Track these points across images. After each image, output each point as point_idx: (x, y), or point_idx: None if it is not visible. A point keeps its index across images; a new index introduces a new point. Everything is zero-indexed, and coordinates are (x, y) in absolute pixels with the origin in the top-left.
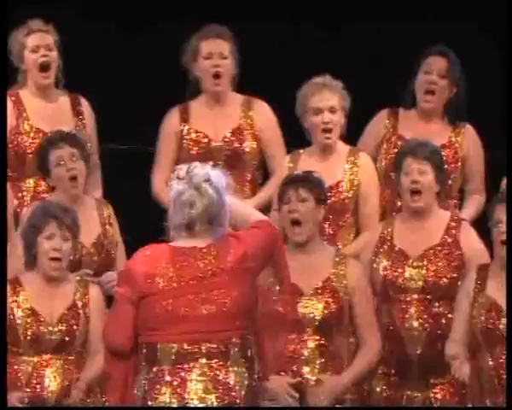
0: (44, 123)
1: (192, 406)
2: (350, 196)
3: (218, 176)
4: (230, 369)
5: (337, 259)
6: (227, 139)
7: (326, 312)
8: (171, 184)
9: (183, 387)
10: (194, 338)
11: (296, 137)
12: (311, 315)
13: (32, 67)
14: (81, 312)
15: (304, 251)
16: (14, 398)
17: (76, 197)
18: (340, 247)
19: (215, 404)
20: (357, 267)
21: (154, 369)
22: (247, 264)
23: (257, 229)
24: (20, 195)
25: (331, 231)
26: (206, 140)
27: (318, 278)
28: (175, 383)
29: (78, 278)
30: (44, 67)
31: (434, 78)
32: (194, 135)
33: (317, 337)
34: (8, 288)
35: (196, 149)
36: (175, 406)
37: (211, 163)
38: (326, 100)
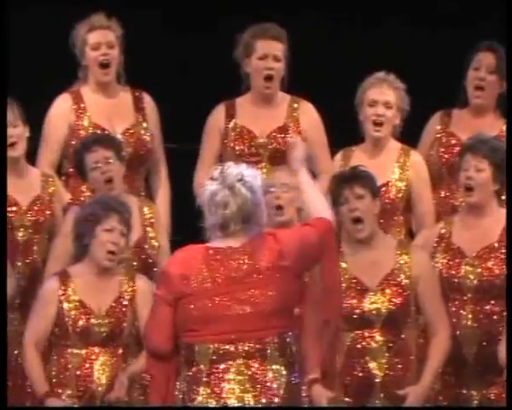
0: (104, 119)
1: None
2: (400, 195)
3: (252, 175)
4: (268, 368)
5: (399, 250)
6: (272, 136)
7: (392, 306)
8: (204, 185)
9: (221, 387)
10: (231, 338)
11: (341, 137)
12: (378, 311)
13: (92, 64)
14: (128, 304)
15: (367, 246)
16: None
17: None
18: (402, 237)
19: (252, 403)
20: (421, 254)
21: (193, 370)
22: (282, 263)
23: (308, 227)
24: (78, 191)
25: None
26: (250, 136)
27: (382, 272)
28: (212, 382)
29: (125, 269)
30: (104, 65)
31: (483, 74)
32: (238, 131)
33: (385, 333)
34: (57, 280)
35: (240, 145)
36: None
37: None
38: (383, 94)
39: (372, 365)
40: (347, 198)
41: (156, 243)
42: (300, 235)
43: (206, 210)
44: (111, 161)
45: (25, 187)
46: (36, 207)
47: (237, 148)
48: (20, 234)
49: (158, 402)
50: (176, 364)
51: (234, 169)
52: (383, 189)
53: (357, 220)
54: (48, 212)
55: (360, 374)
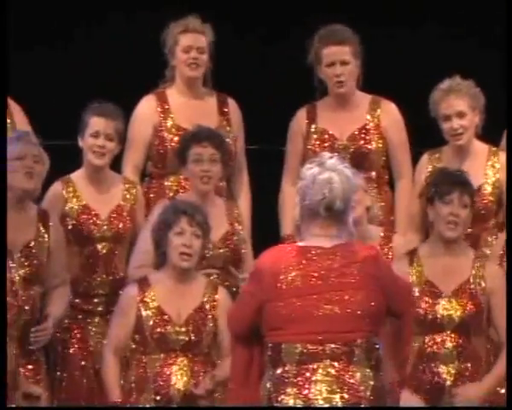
0: (188, 121)
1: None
2: (493, 199)
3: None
4: (355, 369)
5: (477, 261)
6: (352, 138)
7: (464, 313)
8: (302, 172)
9: (308, 387)
10: (318, 339)
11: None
12: (450, 316)
13: (180, 65)
14: (209, 314)
15: (448, 252)
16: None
17: (206, 196)
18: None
19: (339, 404)
20: (495, 269)
21: (279, 370)
22: (374, 270)
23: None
24: (161, 191)
25: (474, 235)
26: (331, 139)
27: (458, 280)
28: (299, 383)
29: (206, 279)
30: (192, 69)
31: None
32: (319, 134)
33: (456, 338)
34: (136, 287)
35: (322, 148)
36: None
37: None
38: (453, 106)
39: (442, 369)
40: (452, 201)
41: (245, 238)
42: (396, 276)
43: (307, 193)
44: (214, 161)
45: (106, 197)
46: (115, 218)
47: (318, 150)
48: (101, 246)
49: (237, 387)
50: (259, 359)
51: (332, 158)
52: (476, 194)
53: (454, 223)
54: (129, 222)
55: (430, 378)
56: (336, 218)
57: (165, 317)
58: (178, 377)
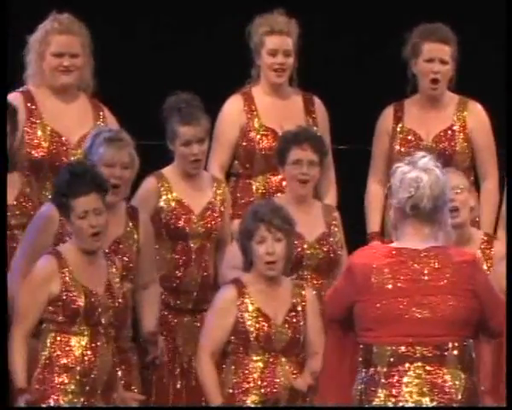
0: (274, 121)
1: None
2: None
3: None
4: (446, 372)
5: None
6: (438, 139)
7: None
8: (394, 170)
9: (398, 389)
10: (409, 341)
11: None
12: None
13: (266, 70)
14: (300, 314)
15: None
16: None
17: (303, 199)
18: None
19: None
20: None
21: (370, 371)
22: (468, 276)
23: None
24: (248, 192)
25: None
26: (416, 139)
27: None
28: (390, 385)
29: (291, 280)
30: (278, 72)
31: None
32: (405, 133)
33: None
34: (234, 289)
35: (406, 147)
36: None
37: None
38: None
39: None
40: None
41: (341, 242)
42: (493, 288)
43: (396, 191)
44: (313, 165)
45: (198, 193)
46: (208, 214)
47: (403, 150)
48: (193, 242)
49: (327, 383)
50: (350, 351)
51: (426, 157)
52: None
53: None
54: (219, 219)
55: None
56: (426, 217)
57: (266, 318)
58: (282, 377)
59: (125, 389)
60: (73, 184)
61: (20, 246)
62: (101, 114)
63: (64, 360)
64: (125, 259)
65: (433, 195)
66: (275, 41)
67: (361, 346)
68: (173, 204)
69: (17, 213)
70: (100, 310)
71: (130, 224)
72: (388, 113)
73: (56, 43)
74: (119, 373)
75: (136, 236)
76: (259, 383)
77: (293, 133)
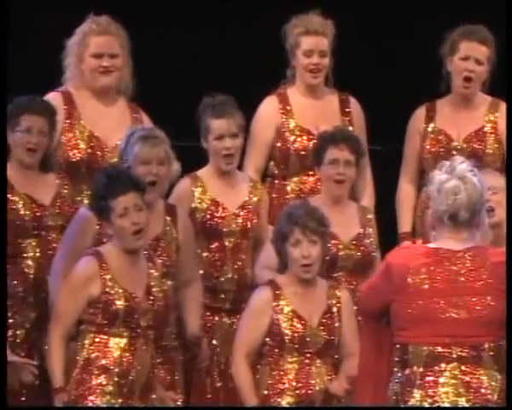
0: (310, 122)
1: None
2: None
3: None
4: (483, 373)
5: None
6: (469, 139)
7: None
8: (432, 176)
9: (434, 390)
10: (445, 342)
11: None
12: None
13: (302, 70)
14: (335, 316)
15: None
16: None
17: (338, 199)
18: None
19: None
20: None
21: (406, 371)
22: (502, 278)
23: None
24: (283, 192)
25: None
26: (447, 140)
27: None
28: (426, 385)
29: (326, 281)
30: (314, 73)
31: None
32: (436, 134)
33: None
34: (269, 291)
35: (436, 147)
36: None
37: None
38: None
39: None
40: None
41: (375, 241)
42: None
43: (434, 200)
44: (350, 165)
45: (233, 192)
46: (243, 213)
47: (433, 150)
48: (228, 241)
49: (364, 383)
50: (388, 353)
51: (464, 163)
52: None
53: None
54: (255, 218)
55: None
56: (464, 224)
57: (301, 320)
58: (317, 379)
59: (168, 388)
60: (111, 185)
61: (60, 248)
62: (138, 117)
63: (102, 362)
64: (165, 256)
65: (471, 204)
66: (310, 41)
67: (397, 346)
68: (208, 203)
69: (53, 214)
70: (139, 313)
71: (169, 221)
72: (420, 113)
73: (95, 44)
74: (162, 372)
75: (175, 233)
76: (294, 384)
77: (330, 133)
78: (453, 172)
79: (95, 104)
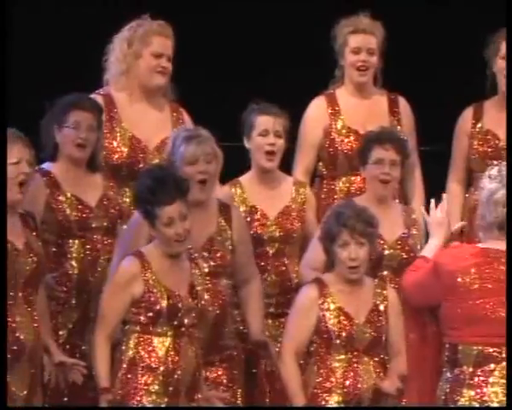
0: (358, 122)
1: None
2: None
3: None
4: None
5: None
6: None
7: None
8: (482, 182)
9: (484, 389)
10: (495, 341)
11: None
12: None
13: (349, 67)
14: (382, 314)
15: None
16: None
17: (383, 199)
18: None
19: None
20: None
21: (456, 371)
22: None
23: None
24: (332, 193)
25: None
26: (494, 140)
27: None
28: (475, 384)
29: (374, 280)
30: (361, 71)
31: None
32: (483, 134)
33: None
34: (315, 289)
35: (484, 147)
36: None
37: None
38: None
39: None
40: None
41: (420, 241)
42: None
43: (483, 208)
44: (395, 164)
45: (274, 198)
46: (284, 218)
47: (480, 150)
48: (270, 247)
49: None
50: (434, 344)
51: None
52: None
53: None
54: (297, 222)
55: None
56: None
57: (348, 317)
58: (365, 377)
59: (227, 388)
60: (157, 191)
61: (116, 251)
62: (180, 118)
63: (147, 361)
64: (219, 255)
65: None
66: (358, 39)
67: (446, 345)
68: (247, 211)
69: (99, 216)
70: (182, 311)
71: (223, 221)
72: (467, 114)
73: (158, 44)
74: (220, 372)
75: (229, 232)
76: (342, 382)
77: (375, 133)
78: (503, 179)
79: (136, 107)
